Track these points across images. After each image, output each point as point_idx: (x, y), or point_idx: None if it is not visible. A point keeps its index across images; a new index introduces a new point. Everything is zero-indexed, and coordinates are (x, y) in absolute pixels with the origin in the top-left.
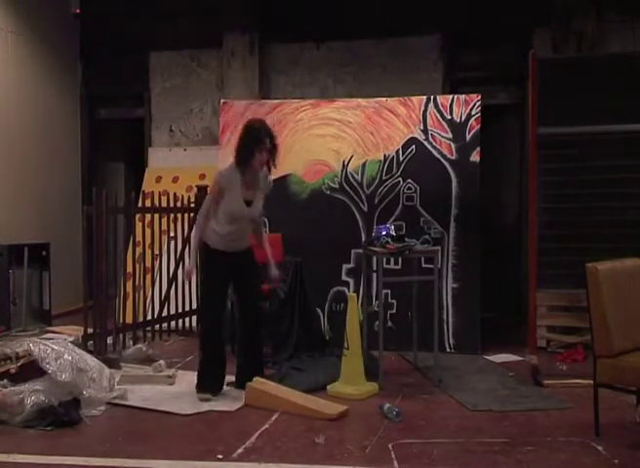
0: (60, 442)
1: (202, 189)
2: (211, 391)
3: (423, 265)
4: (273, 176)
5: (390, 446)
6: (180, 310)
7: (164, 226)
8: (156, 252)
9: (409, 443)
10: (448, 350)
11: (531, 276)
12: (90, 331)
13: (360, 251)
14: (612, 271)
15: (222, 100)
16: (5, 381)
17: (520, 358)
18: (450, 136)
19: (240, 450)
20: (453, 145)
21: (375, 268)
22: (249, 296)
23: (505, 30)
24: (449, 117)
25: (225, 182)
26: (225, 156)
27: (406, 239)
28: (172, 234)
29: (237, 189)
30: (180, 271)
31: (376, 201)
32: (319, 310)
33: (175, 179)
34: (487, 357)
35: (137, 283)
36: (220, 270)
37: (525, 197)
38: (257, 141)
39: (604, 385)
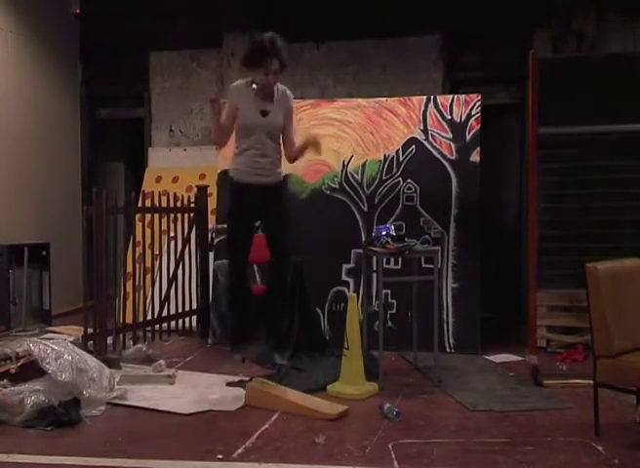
0: (60, 442)
1: (202, 189)
2: (242, 350)
3: (423, 265)
4: None
5: (390, 446)
6: (180, 310)
7: (164, 226)
8: (156, 252)
9: (409, 443)
10: (448, 350)
11: (531, 276)
12: (90, 331)
13: (360, 251)
14: (612, 271)
15: (222, 101)
16: (5, 381)
17: (520, 358)
18: (450, 136)
19: (240, 450)
20: (453, 145)
21: (375, 268)
22: (275, 239)
23: (505, 30)
24: (449, 117)
25: (235, 94)
26: (225, 156)
27: (406, 239)
28: (172, 234)
29: (250, 100)
30: (179, 271)
31: (376, 201)
32: (319, 310)
33: (175, 179)
34: (487, 357)
35: (137, 283)
36: (244, 210)
37: (525, 197)
38: (272, 49)
39: (604, 385)
